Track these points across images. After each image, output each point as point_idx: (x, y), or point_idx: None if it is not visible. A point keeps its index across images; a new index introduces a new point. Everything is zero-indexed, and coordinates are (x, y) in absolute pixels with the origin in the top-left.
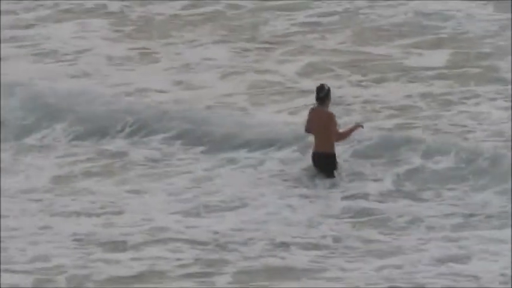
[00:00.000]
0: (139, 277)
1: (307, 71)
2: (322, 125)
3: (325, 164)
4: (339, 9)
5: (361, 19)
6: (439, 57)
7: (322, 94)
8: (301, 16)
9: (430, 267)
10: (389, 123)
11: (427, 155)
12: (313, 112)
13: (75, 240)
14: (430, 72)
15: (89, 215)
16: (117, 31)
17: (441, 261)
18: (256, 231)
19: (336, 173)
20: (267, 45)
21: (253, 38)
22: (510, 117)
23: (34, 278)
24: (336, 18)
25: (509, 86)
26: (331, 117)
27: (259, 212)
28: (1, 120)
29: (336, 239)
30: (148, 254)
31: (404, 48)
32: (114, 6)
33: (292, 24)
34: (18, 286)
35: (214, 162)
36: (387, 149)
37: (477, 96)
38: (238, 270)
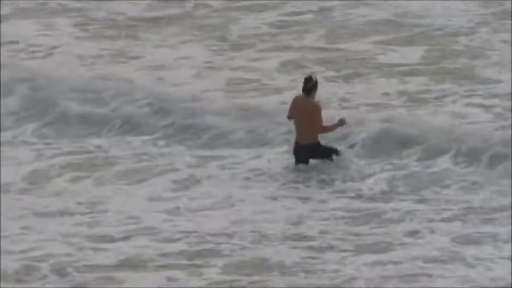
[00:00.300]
0: (122, 266)
1: (282, 68)
2: (308, 114)
3: (317, 153)
4: (311, 8)
5: (335, 17)
6: (414, 54)
7: (310, 85)
8: (271, 15)
9: (422, 263)
10: (369, 118)
11: (422, 154)
12: (298, 100)
13: (60, 234)
14: (404, 68)
15: (72, 213)
16: (84, 30)
17: (436, 257)
18: (244, 226)
19: (333, 156)
20: (240, 44)
21: (224, 37)
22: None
23: (20, 265)
24: (308, 16)
25: (486, 85)
26: (317, 108)
27: (247, 209)
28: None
29: (327, 234)
30: (134, 244)
31: (379, 45)
32: (76, 6)
33: (263, 24)
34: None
35: (200, 160)
36: (380, 147)
37: (454, 93)
38: (227, 263)
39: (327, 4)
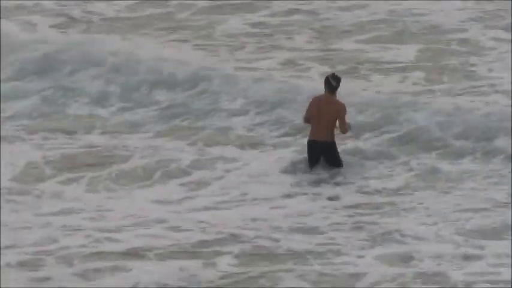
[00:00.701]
0: (131, 255)
1: (279, 67)
2: (332, 113)
3: (331, 153)
4: (298, 7)
5: (323, 17)
6: (409, 52)
7: (336, 83)
8: (255, 16)
9: (433, 258)
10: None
11: (439, 149)
12: (320, 99)
13: (64, 226)
14: (400, 66)
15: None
16: (62, 32)
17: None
18: (257, 219)
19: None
20: (230, 44)
21: (211, 37)
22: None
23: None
24: (296, 17)
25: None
26: (344, 108)
27: (261, 204)
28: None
29: (339, 227)
30: (144, 233)
31: (373, 43)
32: (53, 6)
33: (248, 24)
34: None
35: (207, 157)
36: (394, 145)
37: (449, 90)
38: (239, 254)
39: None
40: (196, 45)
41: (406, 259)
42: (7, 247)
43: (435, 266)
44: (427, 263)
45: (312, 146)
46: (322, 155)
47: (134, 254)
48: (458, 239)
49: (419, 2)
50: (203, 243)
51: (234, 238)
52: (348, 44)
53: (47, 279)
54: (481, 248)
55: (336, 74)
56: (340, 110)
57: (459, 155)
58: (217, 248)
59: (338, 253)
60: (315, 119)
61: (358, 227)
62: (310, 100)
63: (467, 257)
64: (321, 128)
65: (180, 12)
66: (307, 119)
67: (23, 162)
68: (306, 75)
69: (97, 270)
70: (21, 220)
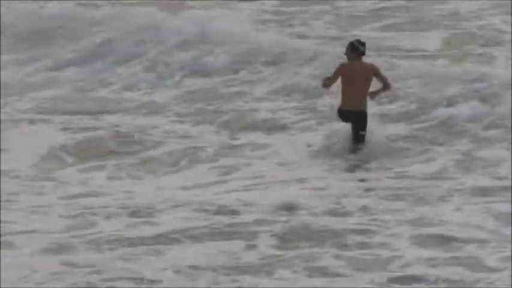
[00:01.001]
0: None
1: None
2: (367, 78)
3: (364, 122)
4: None
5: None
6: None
7: (363, 48)
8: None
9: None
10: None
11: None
12: (351, 67)
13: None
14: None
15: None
16: None
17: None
18: (291, 201)
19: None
20: None
21: None
22: None
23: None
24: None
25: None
26: (377, 67)
27: (294, 185)
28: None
29: (373, 210)
30: (179, 215)
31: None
32: None
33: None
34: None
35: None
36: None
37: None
38: (276, 236)
39: None
40: None
41: (442, 242)
42: (35, 231)
43: (471, 249)
44: (462, 246)
45: (348, 115)
46: (354, 123)
47: (169, 237)
48: (493, 224)
49: None
50: (238, 225)
51: (269, 220)
52: (365, 32)
53: (76, 264)
54: None
55: (359, 39)
56: (375, 68)
57: (491, 142)
58: (254, 229)
59: (373, 235)
60: (347, 88)
61: (392, 210)
62: (337, 67)
63: (500, 242)
64: (355, 97)
65: None
66: (326, 84)
67: (46, 146)
68: None
69: (133, 255)
70: (47, 204)
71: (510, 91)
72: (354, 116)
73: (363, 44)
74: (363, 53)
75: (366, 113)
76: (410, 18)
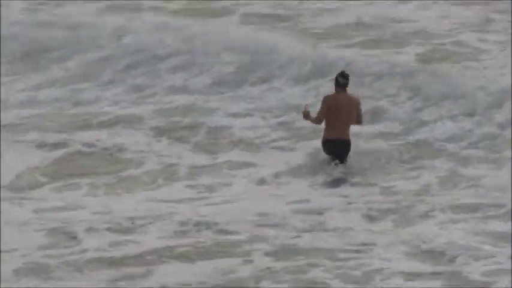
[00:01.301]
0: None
1: None
2: (352, 109)
3: (347, 151)
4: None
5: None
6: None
7: (346, 80)
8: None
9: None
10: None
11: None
12: (336, 98)
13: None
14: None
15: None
16: None
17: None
18: (277, 218)
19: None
20: None
21: None
22: None
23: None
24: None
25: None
26: (359, 101)
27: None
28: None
29: (357, 225)
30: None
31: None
32: None
33: None
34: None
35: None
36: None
37: None
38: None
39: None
40: None
41: (427, 257)
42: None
43: (455, 265)
44: (446, 262)
45: (335, 144)
46: (338, 152)
47: (155, 254)
48: (478, 240)
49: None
50: (224, 243)
51: (255, 236)
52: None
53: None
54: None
55: (344, 71)
56: (359, 101)
57: (470, 161)
58: (243, 247)
59: (362, 250)
60: (334, 118)
61: (377, 226)
62: (323, 100)
63: (484, 257)
64: (342, 126)
65: None
66: (319, 120)
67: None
68: None
69: (124, 276)
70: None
71: (495, 107)
72: (339, 144)
73: (346, 77)
74: (346, 85)
75: (350, 143)
76: (381, 36)
